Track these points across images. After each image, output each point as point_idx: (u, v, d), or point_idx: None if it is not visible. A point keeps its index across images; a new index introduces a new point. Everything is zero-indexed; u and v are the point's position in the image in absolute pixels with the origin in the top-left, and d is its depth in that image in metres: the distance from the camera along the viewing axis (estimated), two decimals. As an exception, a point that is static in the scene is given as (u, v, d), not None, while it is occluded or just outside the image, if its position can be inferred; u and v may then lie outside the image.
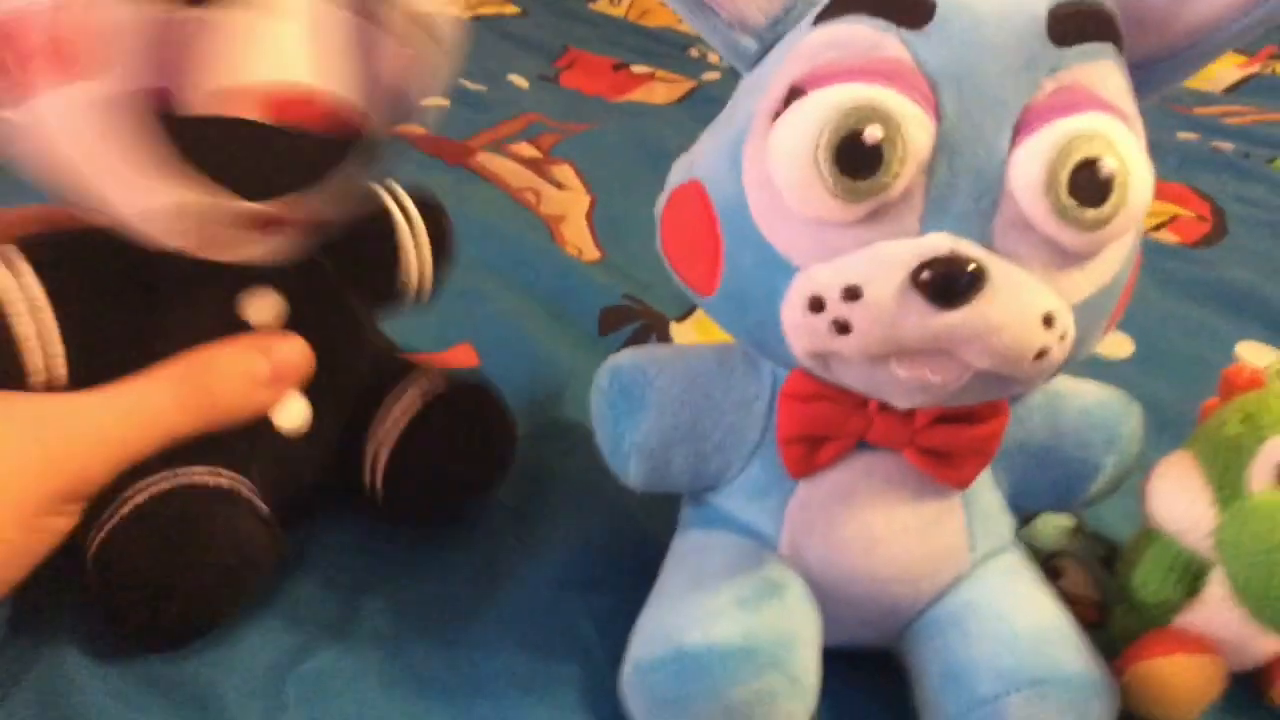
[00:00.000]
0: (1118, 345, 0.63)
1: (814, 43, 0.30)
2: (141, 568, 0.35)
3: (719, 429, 0.38)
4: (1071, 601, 0.41)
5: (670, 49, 1.16)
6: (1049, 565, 0.45)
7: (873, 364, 0.31)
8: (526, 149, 0.88)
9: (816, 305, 0.30)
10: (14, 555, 0.34)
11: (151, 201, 0.34)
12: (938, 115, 0.29)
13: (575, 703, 0.38)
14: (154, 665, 0.37)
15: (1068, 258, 0.30)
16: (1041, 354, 0.30)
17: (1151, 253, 0.75)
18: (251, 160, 0.33)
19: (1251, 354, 0.64)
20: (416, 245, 0.45)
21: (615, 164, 0.85)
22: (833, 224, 0.30)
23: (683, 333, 0.61)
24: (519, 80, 1.05)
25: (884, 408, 0.34)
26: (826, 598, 0.37)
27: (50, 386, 0.36)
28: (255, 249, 0.38)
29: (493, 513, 0.46)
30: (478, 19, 1.20)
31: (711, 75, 1.09)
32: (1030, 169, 0.28)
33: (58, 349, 0.36)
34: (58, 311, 0.36)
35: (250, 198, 0.34)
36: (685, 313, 0.63)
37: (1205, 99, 1.13)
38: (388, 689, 0.38)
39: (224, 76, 0.32)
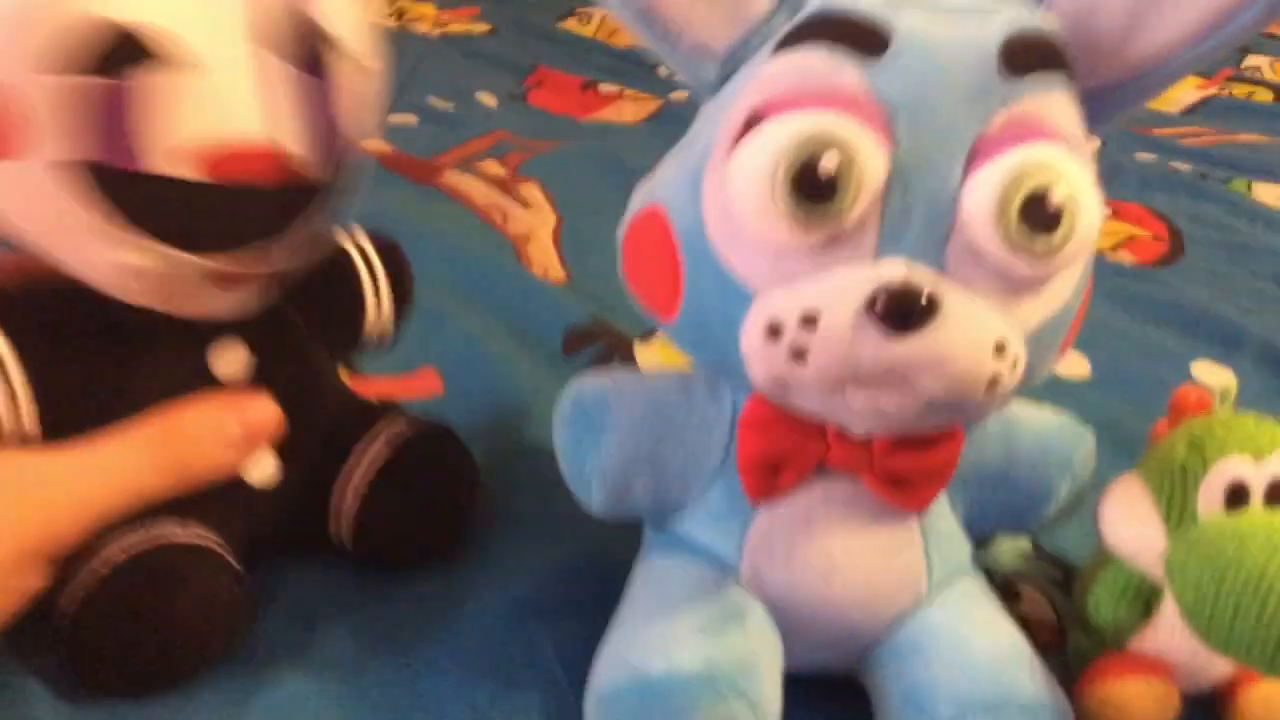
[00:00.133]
0: (1075, 365, 0.64)
1: (772, 71, 0.31)
2: (117, 633, 0.36)
3: (680, 454, 0.38)
4: (1029, 624, 0.42)
5: (638, 68, 1.17)
6: (1006, 588, 0.46)
7: (829, 391, 0.31)
8: (494, 167, 0.88)
9: (774, 331, 0.30)
10: None
11: (106, 262, 0.34)
12: (893, 144, 0.29)
13: (537, 729, 0.38)
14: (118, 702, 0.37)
15: (1019, 285, 0.30)
16: (993, 381, 0.30)
17: (1109, 273, 0.77)
18: (196, 218, 0.33)
19: (1206, 374, 0.65)
20: (378, 292, 0.45)
21: (582, 183, 0.86)
22: (790, 251, 0.30)
23: (646, 353, 0.62)
24: (488, 99, 1.05)
25: (842, 434, 0.35)
26: (787, 623, 0.37)
27: (24, 440, 0.36)
28: (219, 303, 0.37)
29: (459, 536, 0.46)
30: (447, 37, 1.21)
31: (679, 94, 1.10)
32: (982, 198, 0.29)
33: (29, 406, 0.36)
34: (26, 367, 0.36)
35: (201, 254, 0.34)
36: (649, 333, 0.63)
37: (1164, 120, 1.15)
38: (349, 717, 0.38)
39: (159, 138, 0.31)
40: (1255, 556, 0.33)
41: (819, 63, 0.30)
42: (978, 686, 0.35)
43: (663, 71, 1.17)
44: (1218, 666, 0.39)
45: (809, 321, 0.29)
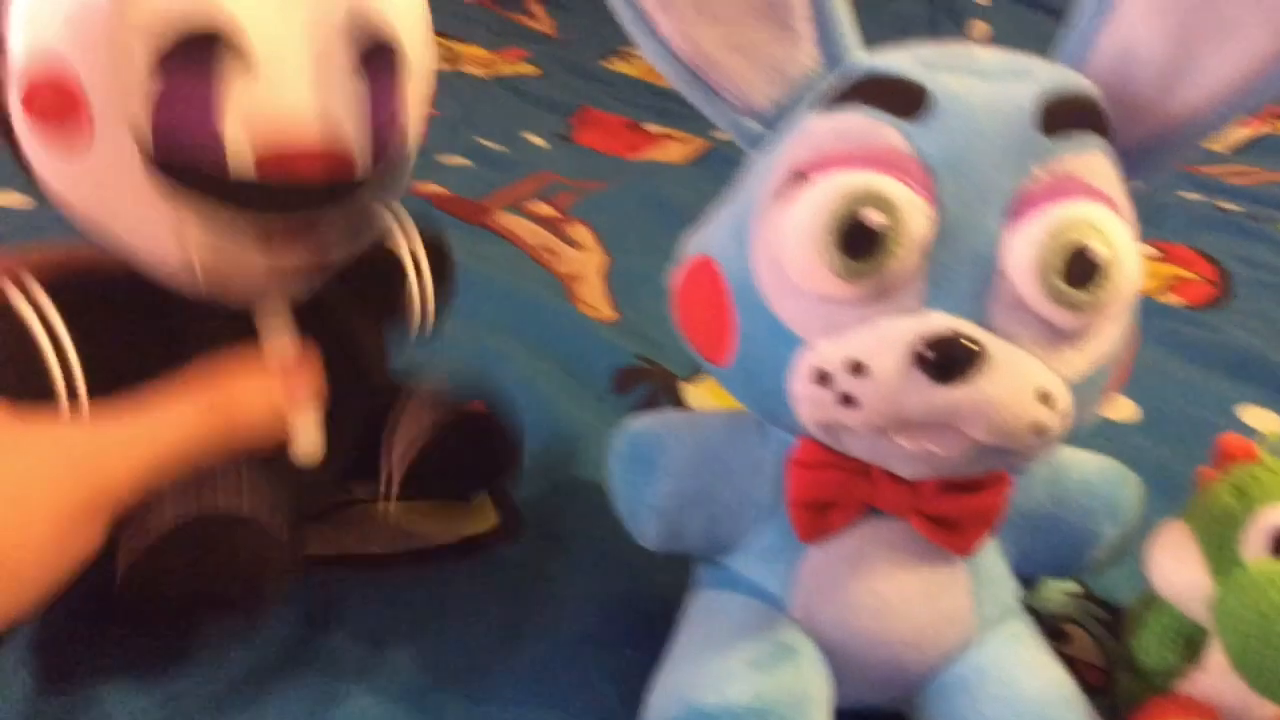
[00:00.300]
0: (1123, 408, 0.64)
1: (817, 130, 0.32)
2: (164, 596, 0.38)
3: (731, 493, 0.39)
4: (1076, 666, 0.42)
5: (683, 107, 1.18)
6: (1054, 629, 0.46)
7: (878, 436, 0.32)
8: (544, 208, 0.90)
9: (822, 378, 0.31)
10: (43, 568, 0.35)
11: (165, 248, 0.35)
12: (935, 201, 0.30)
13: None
14: (193, 714, 0.39)
15: (1062, 337, 0.31)
16: (1039, 429, 0.31)
17: (1157, 315, 0.77)
18: (246, 204, 0.35)
19: (1254, 419, 0.65)
20: (421, 286, 0.46)
21: (630, 223, 0.87)
22: (837, 301, 0.31)
23: (694, 393, 0.63)
24: (536, 139, 1.08)
25: (890, 476, 0.35)
26: (837, 660, 0.38)
27: (77, 401, 0.37)
28: (265, 274, 0.38)
29: (514, 571, 0.48)
30: (498, 79, 1.23)
31: (725, 134, 1.11)
32: (1023, 253, 0.30)
33: (82, 382, 0.37)
34: (80, 346, 0.37)
35: (249, 209, 0.35)
36: (697, 373, 0.64)
37: (1211, 158, 1.14)
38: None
39: (225, 132, 0.33)
40: (1300, 603, 0.33)
41: (861, 123, 0.31)
42: (1025, 727, 0.36)
43: (709, 112, 1.19)
44: (1263, 710, 0.39)
45: (857, 369, 0.31)
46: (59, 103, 0.32)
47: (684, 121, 1.15)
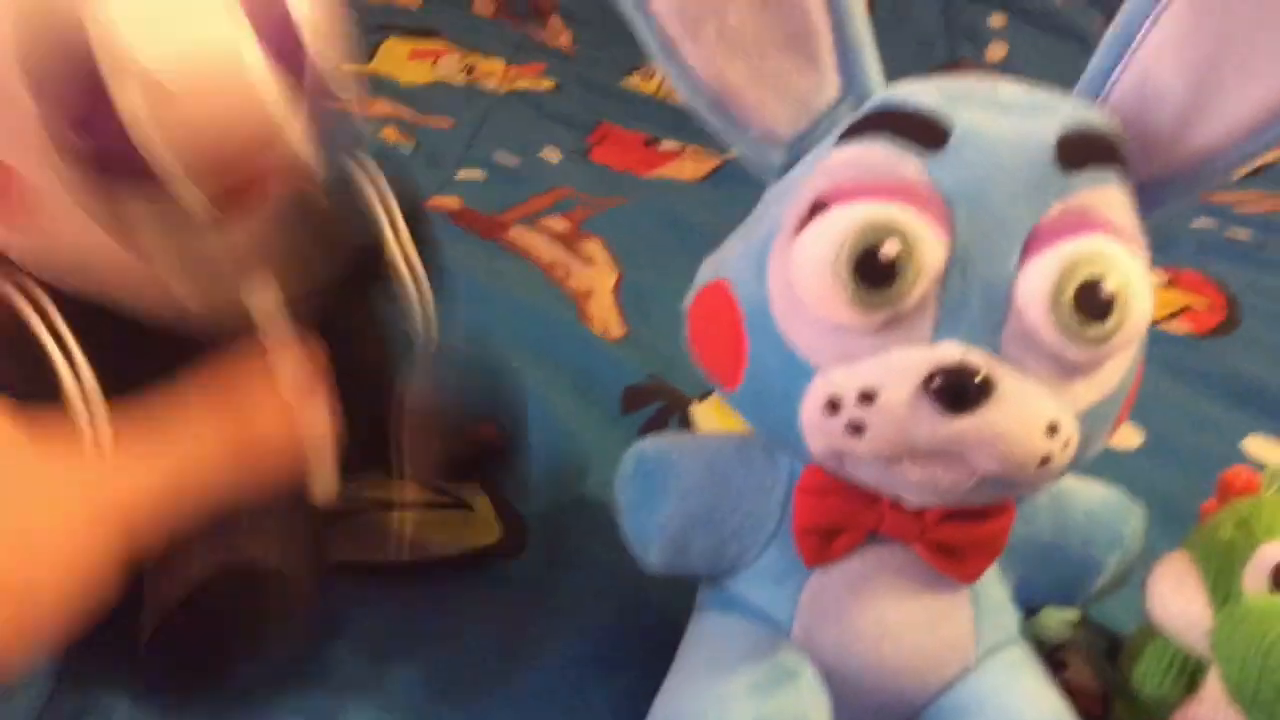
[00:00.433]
0: (1127, 436, 0.65)
1: (837, 161, 0.33)
2: (191, 650, 0.38)
3: (737, 516, 0.40)
4: (1075, 694, 0.42)
5: (698, 125, 1.19)
6: (1053, 657, 0.46)
7: (885, 464, 0.33)
8: (558, 223, 0.90)
9: (833, 406, 0.32)
10: (63, 595, 0.34)
11: (122, 261, 0.35)
12: (951, 233, 0.31)
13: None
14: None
15: (1072, 369, 0.32)
16: (1045, 460, 0.32)
17: (1163, 343, 0.77)
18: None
19: (1259, 449, 0.65)
20: (418, 289, 0.45)
21: (643, 240, 0.88)
22: (851, 330, 0.32)
23: (704, 413, 0.63)
24: (552, 155, 1.08)
25: (896, 503, 0.36)
26: (837, 684, 0.38)
27: (91, 421, 0.37)
28: (227, 243, 0.38)
29: (516, 588, 0.48)
30: (514, 93, 1.24)
31: (750, 165, 1.12)
32: (1037, 286, 0.30)
33: (93, 386, 0.37)
34: (86, 350, 0.37)
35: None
36: (706, 393, 0.65)
37: (1221, 184, 1.14)
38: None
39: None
40: (1300, 637, 0.33)
41: (881, 154, 0.32)
42: (1024, 755, 0.36)
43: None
44: (1263, 743, 0.39)
45: (867, 398, 0.31)
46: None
47: (698, 139, 1.15)
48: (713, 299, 0.36)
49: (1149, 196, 0.34)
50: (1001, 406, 0.31)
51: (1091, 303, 0.30)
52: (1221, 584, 0.37)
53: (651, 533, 0.40)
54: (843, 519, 0.37)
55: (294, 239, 0.41)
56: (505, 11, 1.44)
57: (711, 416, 0.63)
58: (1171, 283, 0.89)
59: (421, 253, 0.45)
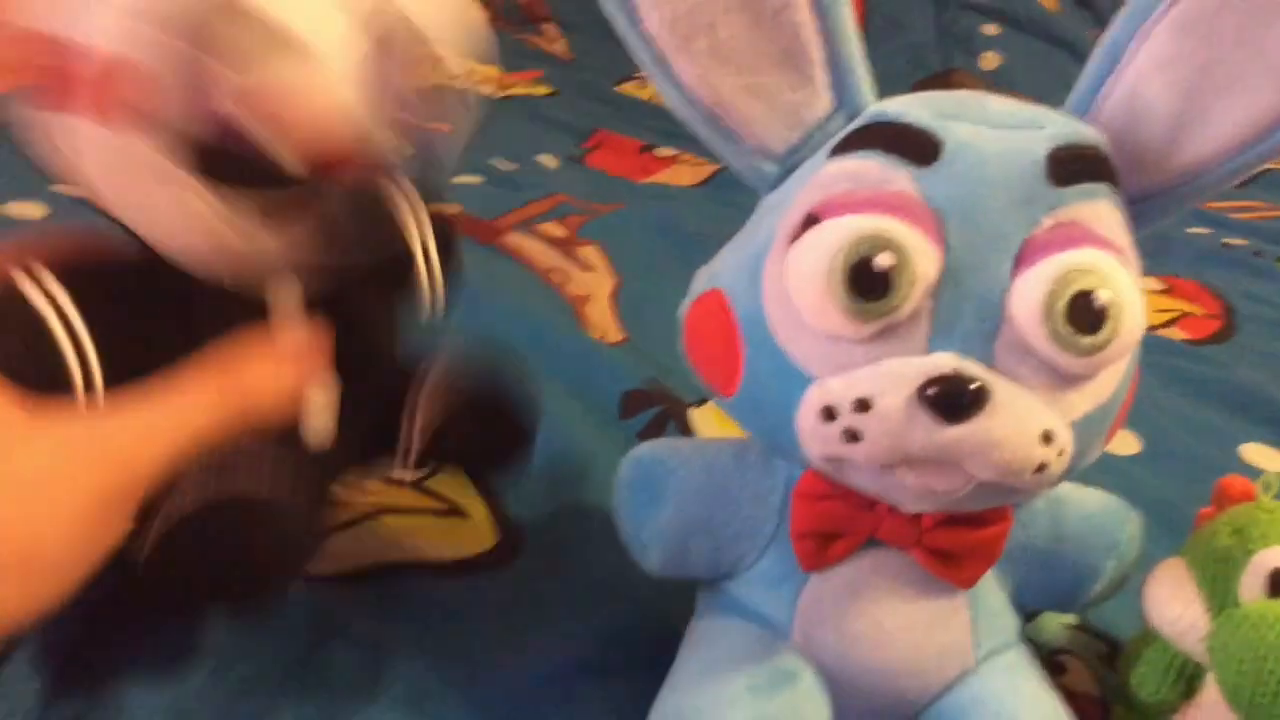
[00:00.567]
0: (1125, 442, 0.65)
1: (829, 174, 0.33)
2: (186, 575, 0.38)
3: (735, 521, 0.40)
4: (1073, 698, 0.43)
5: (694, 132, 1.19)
6: (1052, 661, 0.47)
7: (881, 470, 0.33)
8: (554, 229, 0.91)
9: (829, 415, 0.32)
10: (66, 565, 0.35)
11: (168, 207, 0.36)
12: (943, 246, 0.31)
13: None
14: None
15: (1066, 379, 0.32)
16: (1041, 468, 0.32)
17: (1159, 350, 0.78)
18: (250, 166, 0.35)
19: (1256, 456, 0.65)
20: (429, 266, 0.46)
21: (640, 245, 0.88)
22: (845, 340, 0.32)
23: (702, 418, 0.63)
24: (548, 160, 1.09)
25: (893, 509, 0.36)
26: (836, 687, 0.39)
27: (93, 400, 0.37)
28: (272, 248, 0.38)
29: (514, 594, 0.48)
30: (510, 99, 1.24)
31: (743, 177, 1.12)
32: (1029, 298, 0.31)
33: (97, 366, 0.37)
34: (94, 331, 0.37)
35: (251, 190, 0.36)
36: (704, 398, 0.65)
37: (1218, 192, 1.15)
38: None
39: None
40: (1295, 642, 0.34)
41: (873, 168, 0.32)
42: (1021, 759, 0.37)
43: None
44: (1258, 748, 0.39)
45: (863, 406, 0.31)
46: (104, 83, 0.33)
47: (694, 145, 1.15)
48: (708, 308, 0.37)
49: (1140, 210, 0.34)
50: (996, 415, 0.31)
51: (1084, 314, 0.31)
52: (1218, 590, 0.38)
53: (650, 537, 0.40)
54: (840, 524, 0.37)
55: (335, 238, 0.41)
56: (500, 19, 1.45)
57: (710, 421, 0.63)
58: (1168, 290, 0.89)
59: (445, 267, 0.46)
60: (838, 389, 0.32)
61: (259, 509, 0.39)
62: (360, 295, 0.44)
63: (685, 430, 0.63)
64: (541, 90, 1.32)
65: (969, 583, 0.38)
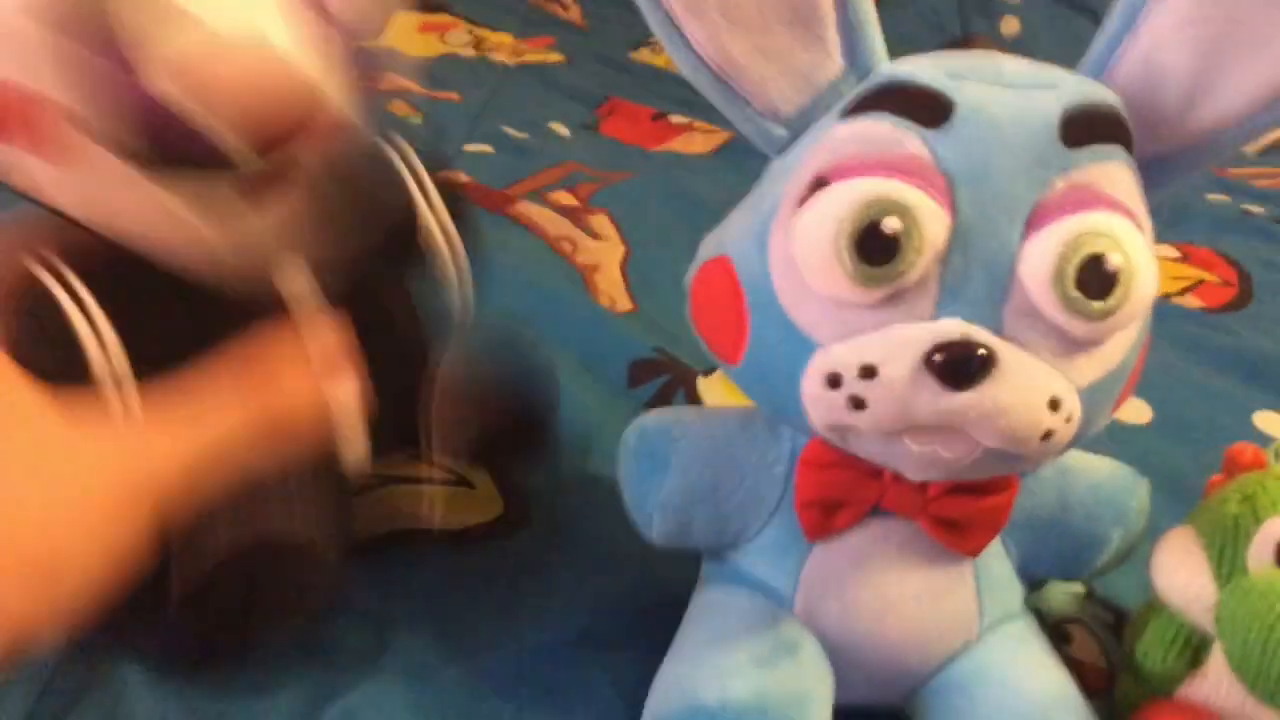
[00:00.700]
0: (1136, 411, 0.64)
1: (839, 137, 0.33)
2: (218, 624, 0.39)
3: (739, 491, 0.40)
4: (1079, 668, 0.43)
5: (708, 99, 1.18)
6: (1058, 630, 0.47)
7: (887, 438, 0.33)
8: (565, 197, 0.90)
9: (834, 381, 0.32)
10: (92, 574, 0.34)
11: (134, 215, 0.35)
12: (953, 209, 0.31)
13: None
14: (201, 701, 0.40)
15: (1075, 345, 0.31)
16: (1048, 435, 0.32)
17: (1174, 318, 0.77)
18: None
19: (1269, 424, 0.64)
20: (454, 257, 0.45)
21: (651, 214, 0.87)
22: (852, 306, 0.31)
23: (710, 387, 0.63)
24: (560, 129, 1.08)
25: (898, 477, 0.36)
26: (839, 658, 0.39)
27: (117, 385, 0.37)
28: (260, 224, 0.38)
29: (517, 562, 0.48)
30: (524, 66, 1.23)
31: (752, 141, 1.11)
32: (1040, 262, 0.30)
33: (117, 351, 0.37)
34: (117, 330, 0.37)
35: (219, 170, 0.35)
36: (712, 367, 0.65)
37: (1238, 160, 1.13)
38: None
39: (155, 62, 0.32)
40: (1303, 612, 0.33)
41: (884, 131, 0.32)
42: (1025, 728, 0.36)
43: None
44: (1265, 717, 0.39)
45: (868, 373, 0.31)
46: (25, 119, 0.32)
47: (707, 113, 1.14)
48: (714, 274, 0.36)
49: (1155, 173, 0.34)
50: (1003, 381, 0.31)
51: (1095, 279, 0.30)
52: (1226, 559, 0.37)
53: (653, 507, 0.40)
54: (845, 493, 0.37)
55: (329, 211, 0.41)
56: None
57: (718, 391, 0.63)
58: (1184, 258, 0.88)
59: (457, 227, 0.45)
60: (843, 355, 0.32)
61: (292, 555, 0.39)
62: (381, 288, 0.44)
63: (694, 399, 0.63)
64: (555, 58, 1.31)
65: (974, 552, 0.38)
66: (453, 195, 0.46)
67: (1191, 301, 0.81)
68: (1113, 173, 0.32)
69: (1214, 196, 1.02)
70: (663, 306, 0.72)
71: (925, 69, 0.33)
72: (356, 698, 0.41)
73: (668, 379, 0.64)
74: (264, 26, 0.33)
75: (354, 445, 0.41)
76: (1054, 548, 0.41)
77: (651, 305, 0.73)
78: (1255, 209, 0.99)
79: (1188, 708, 0.39)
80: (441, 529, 0.50)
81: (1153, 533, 0.42)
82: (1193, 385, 0.68)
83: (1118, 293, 0.30)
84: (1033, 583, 0.42)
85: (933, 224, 0.30)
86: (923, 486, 0.36)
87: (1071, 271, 0.30)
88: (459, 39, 1.27)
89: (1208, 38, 0.32)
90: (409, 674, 0.42)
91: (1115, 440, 0.42)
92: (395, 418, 0.44)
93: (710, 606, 0.41)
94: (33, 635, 0.34)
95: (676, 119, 1.14)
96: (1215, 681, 0.38)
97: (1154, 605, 0.41)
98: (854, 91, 0.33)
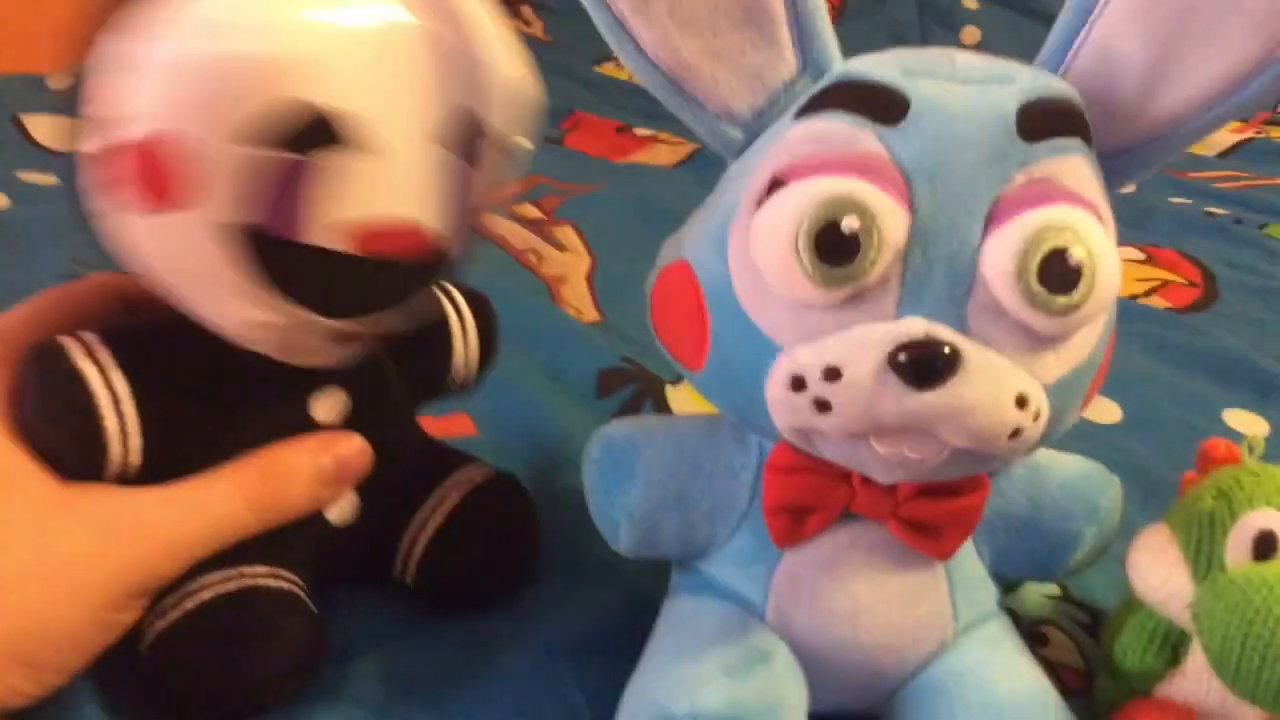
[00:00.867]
0: (1105, 411, 0.64)
1: (795, 136, 0.32)
2: (200, 665, 0.37)
3: (707, 498, 0.39)
4: (1055, 669, 0.42)
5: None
6: (1034, 632, 0.46)
7: (853, 440, 0.32)
8: (530, 210, 0.90)
9: (798, 384, 0.31)
10: (84, 647, 0.36)
11: (239, 317, 0.35)
12: (912, 207, 0.30)
13: (563, 771, 0.39)
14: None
15: (1040, 341, 0.31)
16: (1016, 432, 0.31)
17: (1141, 318, 0.77)
18: (334, 286, 0.35)
19: (1239, 422, 0.65)
20: (466, 342, 0.47)
21: (617, 225, 0.87)
22: (813, 307, 0.31)
23: (678, 395, 0.63)
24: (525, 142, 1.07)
25: (867, 480, 0.35)
26: (812, 665, 0.38)
27: (123, 475, 0.37)
28: (333, 356, 0.39)
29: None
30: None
31: (708, 144, 1.11)
32: (1001, 258, 0.30)
33: (137, 441, 0.37)
34: (137, 404, 0.37)
35: (335, 318, 0.36)
36: (680, 377, 0.64)
37: (1199, 163, 1.14)
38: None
39: (323, 214, 0.33)
40: (1282, 605, 0.33)
41: (839, 129, 0.31)
42: (1003, 731, 0.36)
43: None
44: (1245, 714, 0.38)
45: (832, 375, 0.30)
46: (146, 167, 0.32)
47: (672, 125, 1.14)
48: (674, 280, 0.36)
49: (1114, 167, 0.33)
50: (969, 380, 0.30)
51: (1058, 273, 0.30)
52: (1203, 555, 0.37)
53: (620, 516, 0.39)
54: (813, 497, 0.36)
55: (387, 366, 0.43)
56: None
57: (686, 399, 0.62)
58: (1148, 259, 0.89)
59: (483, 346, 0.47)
60: (806, 358, 0.31)
61: (273, 599, 0.39)
62: (392, 372, 0.44)
63: (662, 409, 0.62)
64: (518, 72, 1.30)
65: (947, 554, 0.38)
66: (475, 290, 0.48)
67: (1158, 302, 0.82)
68: (1072, 166, 0.31)
69: (1176, 199, 1.02)
70: (629, 317, 0.72)
71: (880, 66, 0.32)
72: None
73: (636, 388, 0.63)
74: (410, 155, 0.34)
75: (341, 502, 0.42)
76: (1026, 547, 0.40)
77: (618, 316, 0.73)
78: (1218, 211, 1.00)
79: (1168, 706, 0.38)
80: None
81: (1126, 531, 0.41)
82: (1162, 385, 0.68)
83: (1081, 287, 0.30)
84: (1006, 585, 0.42)
85: (892, 222, 0.30)
86: (892, 489, 0.36)
87: (1034, 267, 0.30)
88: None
89: (1160, 28, 0.32)
90: (375, 696, 0.41)
91: (1085, 440, 0.42)
92: (383, 539, 0.44)
93: (680, 616, 0.40)
94: (17, 704, 0.34)
95: (641, 131, 1.14)
96: (1195, 679, 0.38)
97: (1131, 604, 0.41)
98: (809, 91, 0.33)
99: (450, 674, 0.42)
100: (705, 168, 1.02)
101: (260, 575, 0.39)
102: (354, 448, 0.40)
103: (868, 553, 0.37)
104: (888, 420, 0.31)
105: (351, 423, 0.41)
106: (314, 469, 0.39)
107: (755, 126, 0.34)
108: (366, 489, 0.42)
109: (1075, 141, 0.32)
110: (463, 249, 0.38)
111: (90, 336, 0.37)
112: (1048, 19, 0.34)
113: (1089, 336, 0.32)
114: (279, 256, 0.33)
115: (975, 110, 0.31)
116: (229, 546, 0.38)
